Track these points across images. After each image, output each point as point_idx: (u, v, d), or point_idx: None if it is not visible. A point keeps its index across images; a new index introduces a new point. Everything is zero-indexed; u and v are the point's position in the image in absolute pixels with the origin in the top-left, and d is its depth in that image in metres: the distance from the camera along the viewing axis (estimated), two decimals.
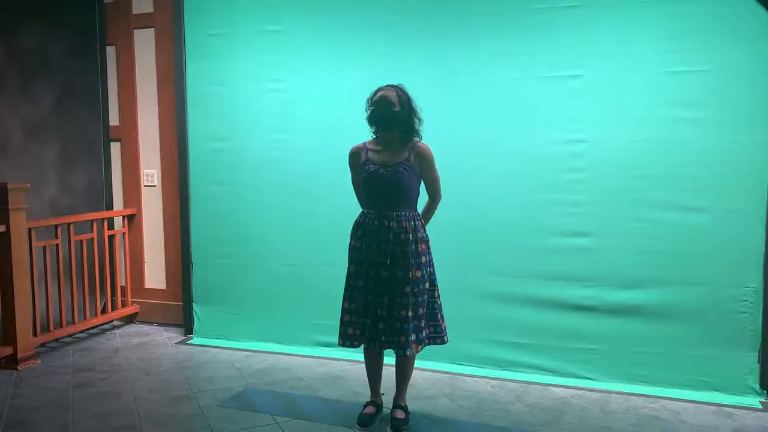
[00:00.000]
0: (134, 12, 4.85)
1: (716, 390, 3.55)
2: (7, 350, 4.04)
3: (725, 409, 3.41)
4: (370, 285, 3.01)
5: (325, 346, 4.28)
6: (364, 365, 3.32)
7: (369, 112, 3.04)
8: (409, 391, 3.40)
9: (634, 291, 3.66)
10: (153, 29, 4.79)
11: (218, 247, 4.58)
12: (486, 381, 3.81)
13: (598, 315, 3.74)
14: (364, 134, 3.17)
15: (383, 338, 2.98)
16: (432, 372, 3.93)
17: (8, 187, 4.03)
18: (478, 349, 3.97)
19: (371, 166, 3.02)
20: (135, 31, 4.86)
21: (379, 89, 3.03)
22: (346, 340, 3.08)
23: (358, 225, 3.09)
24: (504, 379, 3.83)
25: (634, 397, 3.56)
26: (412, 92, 3.07)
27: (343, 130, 3.66)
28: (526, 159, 3.80)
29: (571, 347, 3.80)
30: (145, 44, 4.84)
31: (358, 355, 3.49)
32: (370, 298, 3.01)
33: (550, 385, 3.74)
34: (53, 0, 4.92)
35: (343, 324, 3.09)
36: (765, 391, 3.50)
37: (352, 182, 3.24)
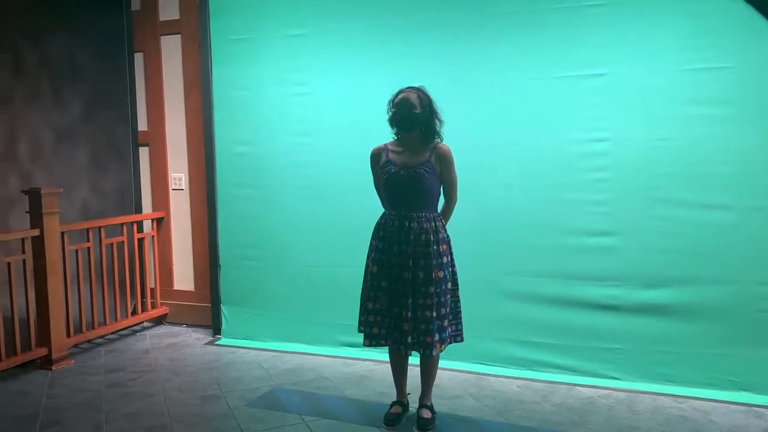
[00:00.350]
0: (161, 19, 4.94)
1: (745, 390, 3.51)
2: (42, 351, 4.15)
3: (755, 409, 3.37)
4: (393, 286, 3.04)
5: (350, 347, 4.32)
6: (389, 365, 3.35)
7: (390, 113, 3.08)
8: (435, 391, 3.42)
9: (659, 290, 3.64)
10: (179, 35, 4.88)
11: (244, 249, 4.65)
12: (511, 381, 3.82)
13: (622, 314, 3.72)
14: (387, 136, 3.20)
15: (409, 339, 3.01)
16: (457, 372, 3.94)
17: (42, 192, 4.13)
18: (503, 348, 3.98)
19: (392, 167, 3.06)
20: (162, 37, 4.95)
21: (401, 91, 3.06)
22: (372, 339, 3.11)
23: (379, 226, 3.13)
24: (530, 379, 3.83)
25: (661, 397, 3.53)
26: (433, 93, 3.10)
27: (366, 133, 3.69)
28: (548, 158, 3.80)
29: (596, 347, 3.78)
30: (171, 50, 4.93)
31: (383, 355, 3.52)
32: (393, 299, 3.04)
33: (577, 385, 3.73)
34: (82, 9, 5.04)
35: (368, 324, 3.12)
36: None
37: (374, 183, 3.27)
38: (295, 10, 4.34)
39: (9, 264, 3.98)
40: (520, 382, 3.80)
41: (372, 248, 3.13)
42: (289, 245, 4.49)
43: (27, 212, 4.16)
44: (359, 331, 3.18)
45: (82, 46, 5.08)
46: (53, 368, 4.15)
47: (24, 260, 4.07)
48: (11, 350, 4.00)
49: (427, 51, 4.00)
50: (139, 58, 5.03)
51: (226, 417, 3.39)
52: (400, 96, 3.04)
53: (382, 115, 3.13)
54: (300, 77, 4.37)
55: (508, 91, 3.86)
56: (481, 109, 3.92)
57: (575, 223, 3.78)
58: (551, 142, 3.79)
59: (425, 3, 4.01)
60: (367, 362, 4.13)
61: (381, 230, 3.10)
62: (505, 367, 3.95)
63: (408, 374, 3.33)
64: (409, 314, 2.99)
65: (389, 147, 3.14)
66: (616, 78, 3.64)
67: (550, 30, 3.74)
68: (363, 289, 3.17)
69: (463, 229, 3.52)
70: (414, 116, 3.01)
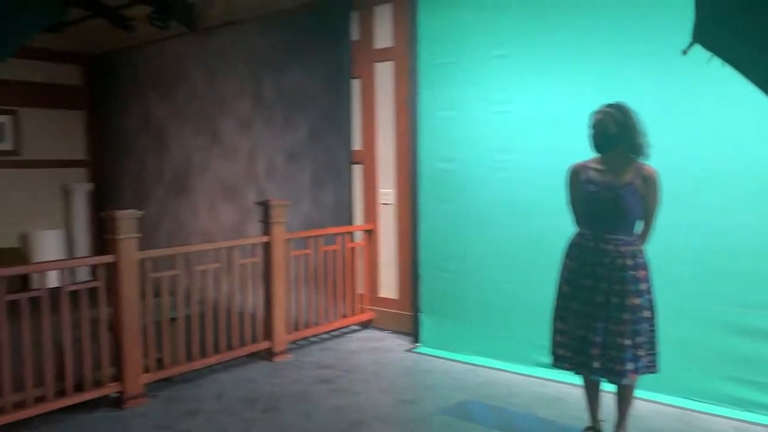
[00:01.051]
0: (376, 47, 5.37)
1: None
2: (267, 344, 4.72)
3: None
4: (583, 308, 2.97)
5: (543, 367, 4.26)
6: (584, 389, 3.27)
7: (589, 134, 3.03)
8: (634, 423, 3.26)
9: None
10: (392, 62, 5.26)
11: (444, 261, 4.83)
12: (725, 421, 3.48)
13: None
14: (589, 153, 3.14)
15: (596, 365, 2.92)
16: (659, 404, 3.69)
17: (271, 203, 4.72)
18: (717, 385, 3.64)
19: (592, 186, 3.00)
20: (376, 64, 5.37)
21: (596, 111, 3.00)
22: (557, 360, 3.07)
23: (573, 245, 3.08)
24: (748, 422, 3.46)
25: None
26: (641, 110, 2.97)
27: (567, 150, 3.65)
28: None
29: None
30: (384, 76, 5.33)
31: (578, 378, 3.44)
32: (583, 322, 2.97)
33: None
34: (312, 44, 5.67)
35: (555, 344, 3.09)
36: None
37: (568, 200, 3.23)
38: (497, 32, 4.45)
39: (244, 266, 4.60)
40: (736, 423, 3.45)
41: (564, 267, 3.10)
42: (487, 260, 4.58)
43: (260, 221, 4.78)
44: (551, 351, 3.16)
45: (310, 76, 5.71)
46: (274, 360, 4.69)
47: (255, 263, 4.68)
48: (242, 341, 4.61)
49: (631, 70, 3.83)
50: (356, 84, 5.51)
51: (420, 422, 3.57)
52: (595, 117, 2.99)
53: (584, 132, 3.09)
54: (501, 96, 4.45)
55: (731, 107, 3.54)
56: (696, 128, 3.65)
57: None
58: None
59: (630, 22, 3.85)
60: (561, 384, 4.05)
61: (575, 250, 3.06)
62: (718, 405, 3.61)
63: (603, 400, 3.22)
64: (598, 338, 2.90)
65: (590, 164, 3.08)
66: None
67: None
68: (554, 309, 3.15)
69: (679, 253, 3.31)
70: (610, 137, 2.93)
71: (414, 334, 5.06)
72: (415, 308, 5.05)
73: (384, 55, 5.33)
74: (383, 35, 5.33)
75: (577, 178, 3.10)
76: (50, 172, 7.67)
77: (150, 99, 7.28)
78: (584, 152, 3.16)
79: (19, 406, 3.48)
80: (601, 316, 2.91)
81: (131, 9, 6.72)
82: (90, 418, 3.69)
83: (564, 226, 3.46)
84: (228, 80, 6.41)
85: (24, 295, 3.49)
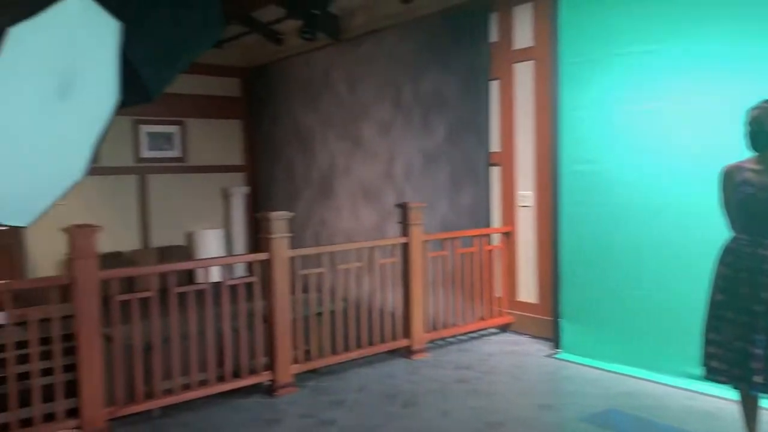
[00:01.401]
0: (515, 48, 5.33)
1: None
2: (406, 342, 4.86)
3: None
4: (740, 318, 2.77)
5: (694, 379, 4.00)
6: (739, 404, 3.05)
7: (745, 131, 2.82)
8: None
9: None
10: (532, 62, 5.19)
11: (587, 266, 4.68)
12: None
13: None
14: (742, 155, 2.93)
15: (757, 379, 2.71)
16: None
17: (409, 205, 4.86)
18: None
19: (748, 188, 2.79)
20: (515, 65, 5.33)
21: (754, 107, 2.79)
22: (710, 373, 2.89)
23: (728, 251, 2.88)
24: None
25: None
26: None
27: (718, 151, 3.41)
28: None
29: None
30: (524, 76, 5.28)
31: (732, 392, 3.21)
32: (741, 333, 2.77)
33: None
34: (451, 47, 5.75)
35: (709, 356, 2.91)
36: None
37: (722, 203, 3.02)
38: (644, 27, 4.24)
39: (383, 265, 4.78)
40: None
41: (718, 275, 2.91)
42: (634, 266, 4.38)
43: (398, 222, 4.93)
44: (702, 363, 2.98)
45: (448, 79, 5.79)
46: (412, 358, 4.82)
47: (394, 263, 4.84)
48: (382, 338, 4.78)
49: None
50: (494, 85, 5.50)
51: (560, 427, 3.51)
52: (753, 113, 2.78)
53: (738, 130, 2.89)
54: (648, 94, 4.25)
55: None
56: None
57: None
58: None
59: None
60: (713, 398, 3.78)
61: (729, 256, 2.87)
62: None
63: (761, 417, 2.98)
64: (759, 351, 2.69)
65: (746, 165, 2.87)
66: None
67: None
68: (706, 318, 2.97)
69: None
70: (765, 135, 2.72)
71: (554, 340, 4.96)
72: (556, 313, 4.94)
73: (524, 55, 5.27)
74: (523, 35, 5.28)
75: (731, 179, 2.90)
76: (212, 176, 8.41)
77: (298, 107, 7.75)
78: (739, 152, 2.95)
79: (186, 388, 3.88)
80: (762, 327, 2.70)
81: (282, 24, 7.21)
82: (246, 403, 4.02)
83: (717, 231, 3.25)
84: (369, 86, 6.67)
85: (191, 288, 3.89)
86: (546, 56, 5.01)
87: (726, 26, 3.84)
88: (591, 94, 4.60)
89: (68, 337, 3.46)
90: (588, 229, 4.66)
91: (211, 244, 8.11)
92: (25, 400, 3.36)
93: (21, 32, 2.31)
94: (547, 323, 5.11)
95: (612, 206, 4.49)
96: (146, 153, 7.92)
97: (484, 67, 5.52)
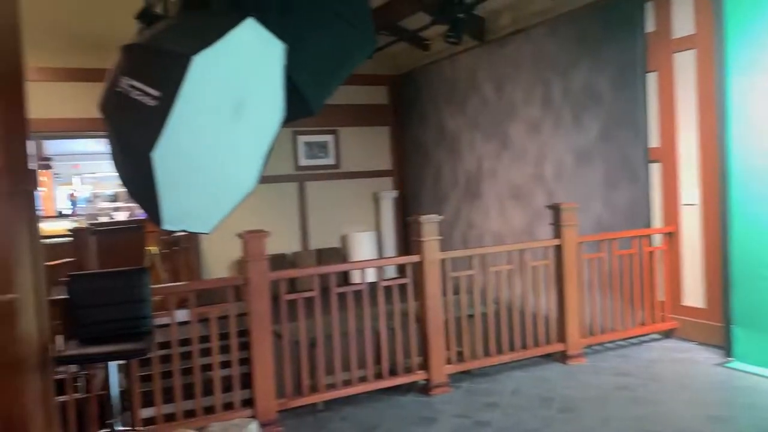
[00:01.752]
0: (675, 36, 5.01)
1: None
2: (560, 346, 4.74)
3: None
4: None
5: None
6: None
7: None
8: None
9: None
10: (694, 50, 4.85)
11: (763, 267, 4.29)
12: None
13: None
14: None
15: None
16: None
17: (562, 206, 4.74)
18: None
19: None
20: (675, 55, 5.01)
21: None
22: None
23: None
24: None
25: None
26: None
27: None
28: None
29: None
30: (685, 67, 4.95)
31: None
32: None
33: None
34: (602, 39, 5.53)
35: None
36: None
37: None
38: None
39: (535, 268, 4.70)
40: None
41: None
42: None
43: (550, 224, 4.83)
44: None
45: (600, 74, 5.57)
46: (568, 363, 4.69)
47: (547, 265, 4.75)
48: (536, 341, 4.70)
49: None
50: (651, 77, 5.21)
51: None
52: None
53: None
54: None
55: None
56: None
57: None
58: None
59: None
60: None
61: None
62: None
63: None
64: None
65: None
66: None
67: None
68: None
69: None
70: None
71: (725, 347, 4.59)
72: (727, 319, 4.57)
73: (684, 44, 4.94)
74: (683, 23, 4.95)
75: None
76: (363, 181, 8.76)
77: (444, 110, 7.84)
78: None
79: (346, 383, 4.09)
80: None
81: (428, 30, 7.34)
82: (403, 400, 4.16)
83: None
84: (516, 86, 6.59)
85: (350, 288, 4.10)
86: (710, 43, 4.66)
87: None
88: (765, 83, 4.21)
89: (243, 333, 3.79)
90: (764, 227, 4.27)
91: (363, 245, 8.44)
92: (207, 390, 3.74)
93: (203, 60, 2.60)
94: (717, 329, 4.74)
95: None
96: (304, 161, 8.43)
97: (639, 59, 5.25)
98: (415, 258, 4.21)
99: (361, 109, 8.69)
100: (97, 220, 10.42)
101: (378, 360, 4.21)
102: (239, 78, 2.85)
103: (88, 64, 6.75)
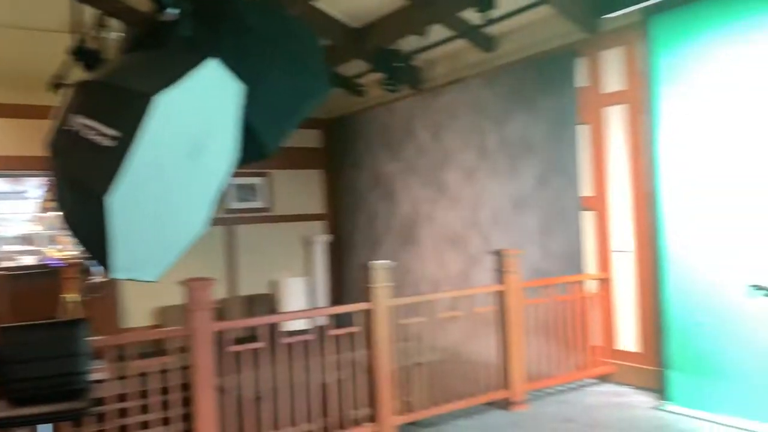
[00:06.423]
0: (605, 92, 5.29)
1: None
2: (504, 393, 4.74)
3: None
4: None
5: None
6: None
7: None
8: None
9: None
10: (624, 105, 5.13)
11: (697, 312, 4.48)
12: None
13: None
14: None
15: None
16: None
17: (505, 252, 4.81)
18: None
19: None
20: (605, 108, 5.28)
21: None
22: None
23: None
24: None
25: None
26: None
27: None
28: None
29: None
30: (615, 120, 5.22)
31: None
32: None
33: None
34: (536, 93, 5.76)
35: None
36: None
37: None
38: (747, 60, 4.15)
39: (480, 314, 4.72)
40: None
41: None
42: (748, 310, 4.16)
43: (494, 270, 4.88)
44: None
45: (535, 125, 5.78)
46: (511, 409, 4.69)
47: (492, 311, 4.78)
48: (481, 389, 4.68)
49: None
50: (584, 129, 5.45)
51: None
52: None
53: None
54: (754, 128, 4.12)
55: None
56: None
57: None
58: None
59: None
60: None
61: None
62: None
63: None
64: None
65: None
66: None
67: None
68: None
69: None
70: None
71: (660, 391, 4.74)
72: (662, 363, 4.73)
73: (614, 99, 5.22)
74: (613, 79, 5.24)
75: None
76: (295, 225, 8.60)
77: (379, 156, 7.88)
78: None
79: None
80: None
81: (364, 77, 7.41)
82: None
83: None
84: (453, 134, 6.72)
85: (298, 339, 3.94)
86: (639, 98, 4.95)
87: None
88: (692, 133, 4.49)
89: (184, 387, 3.55)
90: (697, 272, 4.49)
91: (294, 291, 8.23)
92: None
93: (165, 99, 2.47)
94: (652, 373, 4.89)
95: (722, 248, 4.32)
96: (233, 204, 8.20)
97: (571, 112, 5.49)
98: (365, 305, 4.13)
99: (294, 152, 8.55)
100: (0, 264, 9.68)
101: (325, 413, 4.04)
102: (198, 119, 2.73)
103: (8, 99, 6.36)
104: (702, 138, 4.45)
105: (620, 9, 4.84)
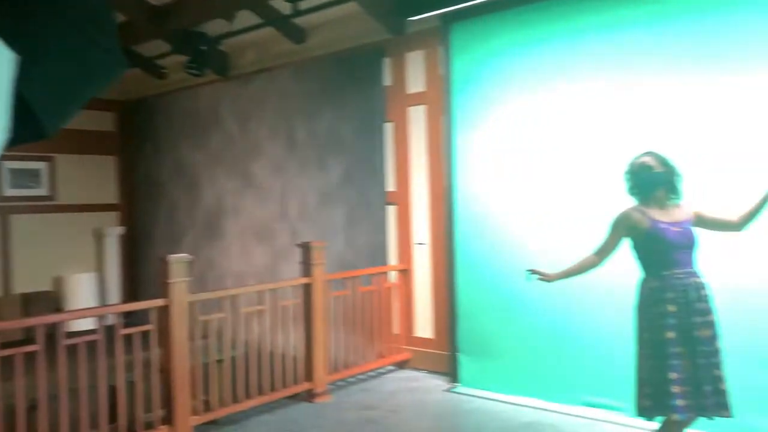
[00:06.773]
0: (408, 92, 5.53)
1: None
2: (307, 385, 4.75)
3: None
4: (688, 349, 2.89)
5: (592, 407, 4.25)
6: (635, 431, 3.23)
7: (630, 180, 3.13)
8: None
9: None
10: (425, 106, 5.40)
11: (483, 299, 4.86)
12: None
13: None
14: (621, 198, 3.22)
15: (708, 402, 2.86)
16: None
17: (311, 245, 4.82)
18: None
19: (661, 224, 2.99)
20: (409, 108, 5.52)
21: (637, 158, 3.11)
22: (678, 411, 2.85)
23: (662, 289, 2.96)
24: None
25: None
26: None
27: (606, 195, 3.75)
28: None
29: None
30: (417, 120, 5.48)
31: (630, 419, 3.45)
32: (693, 362, 2.88)
33: None
34: (344, 90, 5.85)
35: (673, 396, 2.85)
36: None
37: (608, 247, 3.18)
38: (535, 69, 4.57)
39: (286, 307, 4.67)
40: None
41: (660, 314, 2.93)
42: (529, 296, 4.59)
43: (299, 263, 4.87)
44: (645, 408, 2.96)
45: (343, 120, 5.87)
46: (314, 401, 4.72)
47: (296, 304, 4.75)
48: (284, 382, 4.64)
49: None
50: (389, 127, 5.65)
51: None
52: (637, 162, 3.08)
53: (619, 171, 3.17)
54: (538, 137, 4.57)
55: None
56: None
57: None
58: None
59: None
60: (610, 425, 4.04)
61: (666, 293, 2.93)
62: None
63: None
64: (709, 375, 2.88)
65: (644, 209, 3.05)
66: None
67: None
68: (653, 362, 2.95)
69: None
70: (655, 176, 3.03)
71: (452, 374, 5.08)
72: (453, 347, 5.07)
73: (416, 99, 5.48)
74: (415, 81, 5.49)
75: (637, 223, 3.03)
76: (83, 216, 7.83)
77: (182, 143, 7.46)
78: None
79: None
80: (705, 354, 2.88)
81: (165, 58, 6.97)
82: None
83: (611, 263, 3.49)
84: (261, 124, 6.58)
85: (83, 339, 3.57)
86: (437, 101, 5.24)
87: (609, 66, 4.24)
88: (484, 136, 4.86)
89: None
90: (483, 263, 4.87)
91: (82, 289, 7.49)
92: None
93: None
94: (444, 357, 5.22)
95: (507, 241, 4.73)
96: (9, 191, 7.24)
97: (379, 110, 5.66)
98: (160, 302, 3.86)
99: (83, 135, 7.76)
100: None
101: (113, 418, 3.71)
102: None
103: None
104: (492, 140, 4.84)
105: (422, 13, 5.09)
